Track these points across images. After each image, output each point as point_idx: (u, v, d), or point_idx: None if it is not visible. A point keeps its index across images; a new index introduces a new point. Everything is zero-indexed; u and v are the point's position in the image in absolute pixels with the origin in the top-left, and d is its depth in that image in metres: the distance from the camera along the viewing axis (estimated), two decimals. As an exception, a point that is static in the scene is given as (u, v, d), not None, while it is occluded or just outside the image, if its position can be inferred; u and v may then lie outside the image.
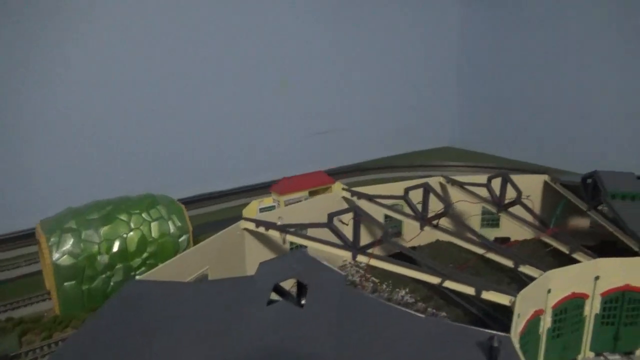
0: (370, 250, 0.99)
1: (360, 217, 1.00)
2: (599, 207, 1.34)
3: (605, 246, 1.37)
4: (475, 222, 1.60)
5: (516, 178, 1.63)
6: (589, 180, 1.34)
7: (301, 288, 0.71)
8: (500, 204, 1.29)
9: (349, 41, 2.60)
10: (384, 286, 1.31)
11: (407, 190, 1.23)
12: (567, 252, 1.08)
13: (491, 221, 1.57)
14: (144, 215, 1.28)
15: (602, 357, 1.05)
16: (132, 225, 1.25)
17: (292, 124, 2.47)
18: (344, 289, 0.74)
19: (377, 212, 1.38)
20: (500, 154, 2.81)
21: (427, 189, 1.18)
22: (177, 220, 1.33)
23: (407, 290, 1.29)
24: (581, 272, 1.00)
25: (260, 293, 0.69)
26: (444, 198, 1.18)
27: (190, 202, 1.91)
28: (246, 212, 1.51)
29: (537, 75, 2.58)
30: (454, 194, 1.55)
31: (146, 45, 1.96)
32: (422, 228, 1.18)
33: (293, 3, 2.32)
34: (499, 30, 2.74)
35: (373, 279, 1.35)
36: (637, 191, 1.25)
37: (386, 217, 1.43)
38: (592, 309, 1.02)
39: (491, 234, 1.57)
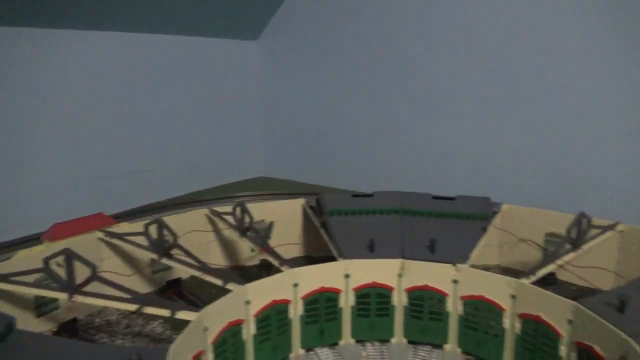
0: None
1: (73, 258, 1.05)
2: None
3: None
4: (244, 247, 1.75)
5: (277, 203, 1.83)
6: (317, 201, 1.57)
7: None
8: (241, 229, 1.44)
9: (151, 81, 2.66)
10: (139, 320, 1.37)
11: (146, 226, 1.31)
12: (277, 265, 1.25)
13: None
14: None
15: (312, 352, 1.24)
16: None
17: (87, 167, 2.43)
18: (8, 331, 0.79)
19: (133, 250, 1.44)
20: (309, 181, 3.07)
21: (160, 224, 1.28)
22: None
23: (161, 321, 1.36)
24: (280, 281, 1.18)
25: None
26: (174, 232, 1.29)
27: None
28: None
29: (338, 104, 2.90)
30: (218, 224, 1.69)
31: None
32: (160, 259, 1.28)
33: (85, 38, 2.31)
34: (300, 65, 3.04)
35: (132, 314, 1.41)
36: (350, 208, 1.51)
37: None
38: (296, 311, 1.21)
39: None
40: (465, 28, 2.30)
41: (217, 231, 1.70)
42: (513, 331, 1.13)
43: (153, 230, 1.31)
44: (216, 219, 1.64)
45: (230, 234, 1.64)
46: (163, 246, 1.27)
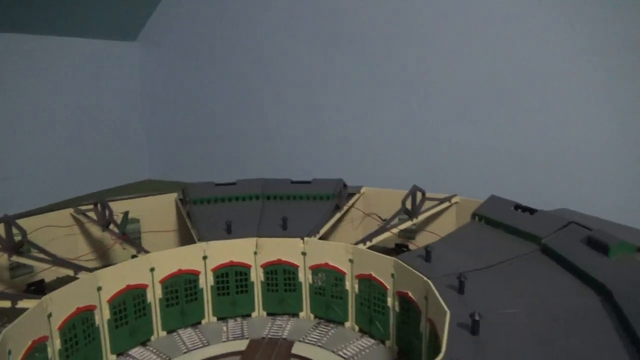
0: None
1: None
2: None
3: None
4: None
5: (153, 199, 1.84)
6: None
7: None
8: (102, 223, 1.45)
9: (29, 84, 2.51)
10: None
11: (-8, 224, 1.28)
12: (135, 253, 1.29)
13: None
14: None
15: (174, 333, 1.29)
16: None
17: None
18: None
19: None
20: (195, 181, 3.07)
21: (8, 222, 1.26)
22: None
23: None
24: (136, 266, 1.22)
25: None
26: (23, 229, 1.27)
27: None
28: None
29: (218, 102, 2.95)
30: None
31: None
32: (10, 257, 1.25)
33: None
34: (179, 65, 3.04)
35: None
36: (212, 196, 1.58)
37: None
38: (155, 295, 1.25)
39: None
40: (322, 25, 2.48)
41: (83, 229, 1.68)
42: (353, 291, 1.27)
43: (1, 229, 1.28)
44: (80, 217, 1.63)
45: (95, 231, 1.63)
46: (12, 244, 1.25)
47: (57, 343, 1.02)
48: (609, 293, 0.82)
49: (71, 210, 1.66)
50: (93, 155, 2.95)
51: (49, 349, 0.99)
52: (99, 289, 1.14)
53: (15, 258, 1.25)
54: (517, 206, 1.25)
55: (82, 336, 1.08)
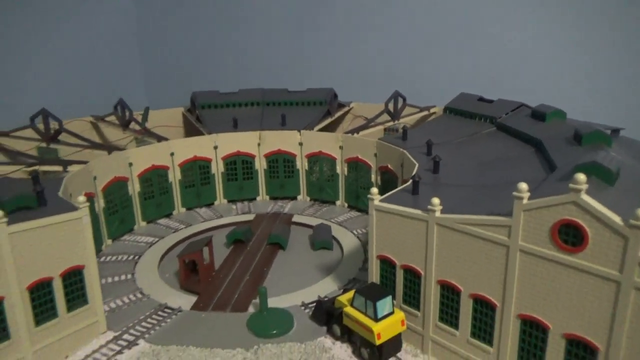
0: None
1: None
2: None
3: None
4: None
5: (161, 111, 2.02)
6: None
7: None
8: (123, 123, 1.65)
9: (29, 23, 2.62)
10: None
11: (31, 118, 1.47)
12: (156, 141, 1.50)
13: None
14: None
15: (192, 210, 1.52)
16: None
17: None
18: None
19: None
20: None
21: (44, 113, 1.45)
22: None
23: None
24: (159, 149, 1.43)
25: None
26: (59, 118, 1.47)
27: None
28: None
29: (205, 34, 3.06)
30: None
31: None
32: (48, 144, 1.46)
33: None
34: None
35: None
36: (218, 102, 1.78)
37: None
38: (175, 176, 1.48)
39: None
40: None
41: (101, 136, 1.87)
42: (343, 173, 1.51)
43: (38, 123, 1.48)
44: (99, 123, 1.82)
45: (113, 135, 1.82)
46: (49, 133, 1.45)
47: (102, 202, 1.25)
48: (539, 143, 1.05)
49: (90, 118, 1.85)
50: (90, 91, 3.09)
51: (96, 204, 1.22)
52: (130, 164, 1.36)
53: (53, 145, 1.45)
54: (481, 99, 1.47)
55: (119, 200, 1.31)
